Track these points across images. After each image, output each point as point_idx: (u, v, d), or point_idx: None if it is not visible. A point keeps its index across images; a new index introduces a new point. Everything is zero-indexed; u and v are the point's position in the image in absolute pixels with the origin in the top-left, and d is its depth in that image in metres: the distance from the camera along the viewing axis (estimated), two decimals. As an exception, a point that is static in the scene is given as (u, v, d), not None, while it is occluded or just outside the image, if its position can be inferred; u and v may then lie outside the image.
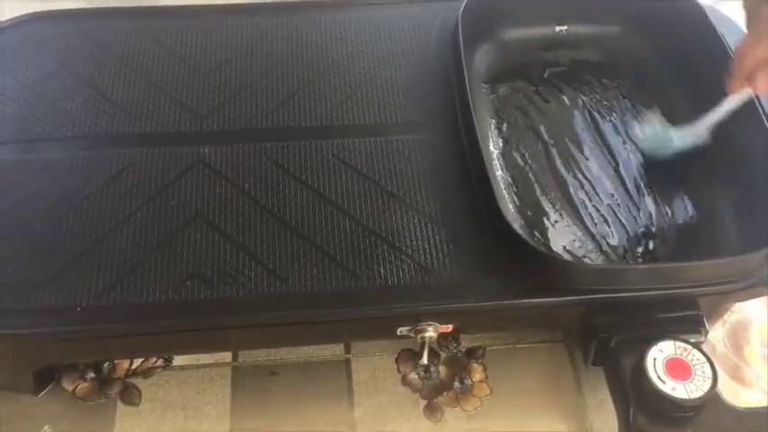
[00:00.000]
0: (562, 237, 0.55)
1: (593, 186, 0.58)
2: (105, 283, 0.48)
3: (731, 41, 0.59)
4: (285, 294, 0.49)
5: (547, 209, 0.57)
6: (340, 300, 0.49)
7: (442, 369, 0.57)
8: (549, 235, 0.55)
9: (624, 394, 0.48)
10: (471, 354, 0.58)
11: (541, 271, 0.49)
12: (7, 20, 0.62)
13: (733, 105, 0.54)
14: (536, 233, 0.55)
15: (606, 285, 0.49)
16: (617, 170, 0.59)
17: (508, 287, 0.49)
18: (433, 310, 0.49)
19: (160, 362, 0.56)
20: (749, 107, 0.55)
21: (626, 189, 0.58)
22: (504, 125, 0.61)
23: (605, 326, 0.50)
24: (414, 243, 0.51)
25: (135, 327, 0.48)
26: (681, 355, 0.48)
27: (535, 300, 0.49)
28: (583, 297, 0.49)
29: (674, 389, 0.46)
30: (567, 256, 0.54)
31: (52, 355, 0.52)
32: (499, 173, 0.58)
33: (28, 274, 0.48)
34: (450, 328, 0.51)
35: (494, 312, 0.51)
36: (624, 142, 0.61)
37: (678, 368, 0.47)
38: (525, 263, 0.49)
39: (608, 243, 0.55)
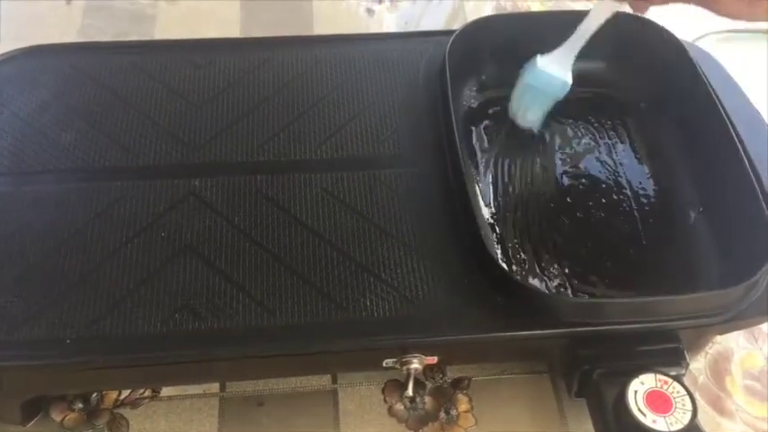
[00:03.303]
0: (546, 270, 0.56)
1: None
2: (95, 315, 0.49)
3: (711, 77, 0.61)
4: (273, 326, 0.49)
5: (532, 241, 0.58)
6: (327, 332, 0.49)
7: (428, 400, 0.57)
8: (534, 267, 0.56)
9: (606, 426, 0.49)
10: (457, 384, 0.58)
11: (525, 304, 0.50)
12: (1, 54, 0.63)
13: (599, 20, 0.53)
14: (520, 266, 0.56)
15: (588, 318, 0.50)
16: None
17: (492, 320, 0.50)
18: (418, 342, 0.50)
19: (148, 392, 0.56)
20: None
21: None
22: (491, 159, 0.63)
23: (587, 358, 0.51)
24: (400, 276, 0.52)
25: (124, 359, 0.48)
26: (661, 387, 0.48)
27: (518, 332, 0.50)
28: (565, 330, 0.50)
29: (654, 422, 0.47)
30: (551, 290, 0.55)
31: (41, 387, 0.52)
32: (484, 206, 0.59)
33: (17, 307, 0.49)
34: (435, 359, 0.52)
35: (478, 344, 0.51)
36: (608, 177, 0.62)
37: (658, 401, 0.48)
38: (509, 295, 0.50)
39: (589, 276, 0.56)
